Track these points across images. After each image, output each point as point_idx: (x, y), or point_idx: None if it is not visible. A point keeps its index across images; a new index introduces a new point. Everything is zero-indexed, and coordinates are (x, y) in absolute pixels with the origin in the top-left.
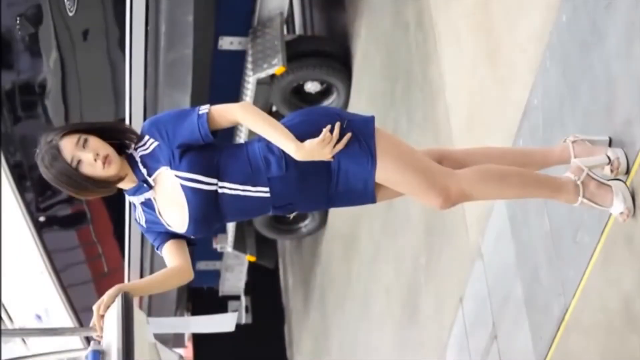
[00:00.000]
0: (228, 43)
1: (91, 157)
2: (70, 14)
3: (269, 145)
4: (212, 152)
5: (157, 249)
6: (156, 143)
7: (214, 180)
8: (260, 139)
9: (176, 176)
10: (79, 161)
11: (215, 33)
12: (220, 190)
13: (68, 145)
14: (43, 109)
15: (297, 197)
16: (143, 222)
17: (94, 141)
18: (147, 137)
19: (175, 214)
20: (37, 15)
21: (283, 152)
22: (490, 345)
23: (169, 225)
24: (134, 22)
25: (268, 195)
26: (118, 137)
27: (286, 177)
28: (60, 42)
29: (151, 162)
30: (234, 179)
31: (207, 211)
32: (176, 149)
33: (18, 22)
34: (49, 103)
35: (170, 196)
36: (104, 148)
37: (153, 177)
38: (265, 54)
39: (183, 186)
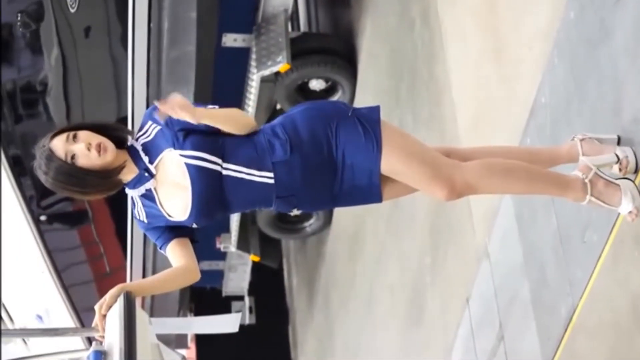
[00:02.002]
0: (232, 40)
1: (83, 147)
2: (72, 11)
3: (274, 130)
4: (217, 135)
5: (161, 248)
6: (158, 127)
7: (219, 160)
8: (265, 126)
9: (180, 155)
10: (73, 155)
11: (218, 30)
12: (224, 172)
13: (59, 144)
14: (44, 107)
15: (301, 187)
16: (144, 218)
17: (84, 133)
18: (148, 124)
19: (178, 200)
20: (38, 11)
21: (288, 136)
22: (496, 347)
23: (170, 216)
24: (137, 19)
25: (272, 181)
26: (110, 133)
27: (290, 162)
28: (61, 39)
29: (153, 148)
30: (239, 160)
31: (210, 192)
32: (179, 132)
33: (19, 18)
34: (50, 101)
35: (173, 182)
36: (95, 137)
37: (155, 163)
38: (269, 51)
39: (187, 165)
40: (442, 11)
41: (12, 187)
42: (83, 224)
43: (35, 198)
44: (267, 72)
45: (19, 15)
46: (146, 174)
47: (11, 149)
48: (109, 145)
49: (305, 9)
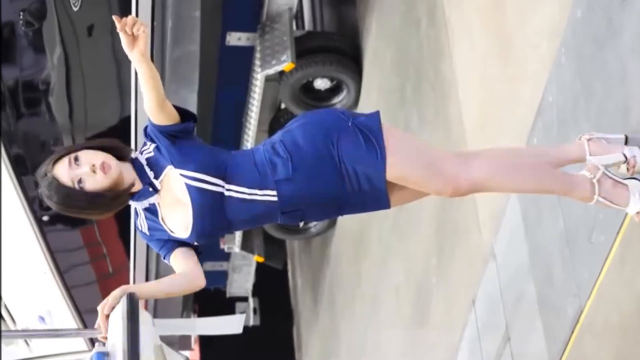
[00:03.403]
0: (236, 39)
1: (88, 170)
2: (75, 9)
3: (274, 148)
4: (219, 155)
5: (164, 258)
6: (154, 145)
7: (220, 182)
8: (265, 143)
9: (181, 175)
10: (80, 180)
11: (222, 29)
12: (227, 193)
13: (62, 171)
14: (47, 106)
15: (306, 202)
16: (145, 230)
17: (84, 154)
18: (149, 140)
19: (180, 218)
20: (40, 10)
21: (289, 154)
22: (503, 348)
23: (171, 231)
24: (140, 17)
25: (275, 199)
26: (110, 152)
27: (293, 180)
28: (64, 38)
29: (157, 164)
30: (241, 182)
31: (212, 214)
32: (170, 146)
33: (21, 17)
34: (53, 100)
35: (175, 198)
36: (97, 156)
37: (160, 179)
38: (273, 50)
39: (188, 185)
40: (448, 10)
41: (14, 187)
42: (86, 225)
43: (38, 198)
44: (271, 71)
45: (21, 13)
46: (150, 189)
47: (13, 149)
48: (112, 161)
49: (310, 8)
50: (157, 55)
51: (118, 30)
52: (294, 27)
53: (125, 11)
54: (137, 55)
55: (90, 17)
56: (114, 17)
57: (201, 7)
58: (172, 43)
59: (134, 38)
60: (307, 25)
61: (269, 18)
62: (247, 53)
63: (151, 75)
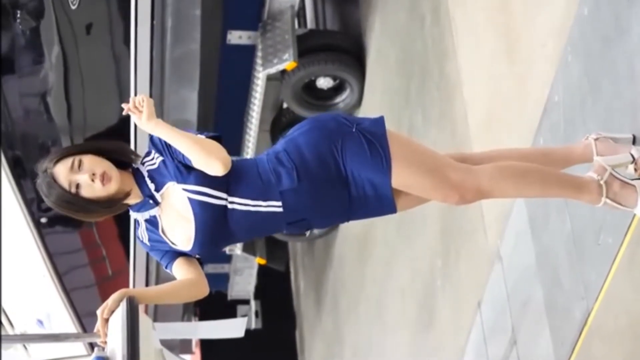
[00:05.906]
0: (237, 37)
1: (87, 178)
2: (73, 7)
3: (278, 157)
4: None
5: (166, 267)
6: (161, 158)
7: (223, 195)
8: (269, 153)
9: (184, 189)
10: (77, 185)
11: (223, 27)
12: (230, 206)
13: (62, 171)
14: (45, 106)
15: (312, 211)
16: (146, 240)
17: (89, 160)
18: (153, 152)
19: (181, 231)
20: (38, 8)
21: (294, 163)
22: (509, 352)
23: (173, 244)
24: (140, 16)
25: (280, 209)
26: (116, 157)
27: (299, 189)
28: (62, 37)
29: (159, 177)
30: (244, 194)
31: (215, 227)
32: (179, 163)
33: (19, 15)
34: (51, 100)
35: (177, 212)
36: (100, 165)
37: (161, 192)
38: (275, 48)
39: (190, 200)
40: (452, 8)
41: (12, 189)
42: (85, 227)
43: (36, 200)
44: (273, 70)
45: (19, 12)
46: (151, 201)
47: (11, 151)
48: (114, 174)
49: (312, 5)
50: (157, 54)
51: (126, 113)
52: (296, 25)
53: (124, 10)
54: (144, 122)
55: (88, 16)
56: (123, 105)
57: (202, 6)
58: (173, 42)
59: (140, 112)
60: (310, 23)
61: (271, 16)
62: (248, 52)
63: (180, 142)
